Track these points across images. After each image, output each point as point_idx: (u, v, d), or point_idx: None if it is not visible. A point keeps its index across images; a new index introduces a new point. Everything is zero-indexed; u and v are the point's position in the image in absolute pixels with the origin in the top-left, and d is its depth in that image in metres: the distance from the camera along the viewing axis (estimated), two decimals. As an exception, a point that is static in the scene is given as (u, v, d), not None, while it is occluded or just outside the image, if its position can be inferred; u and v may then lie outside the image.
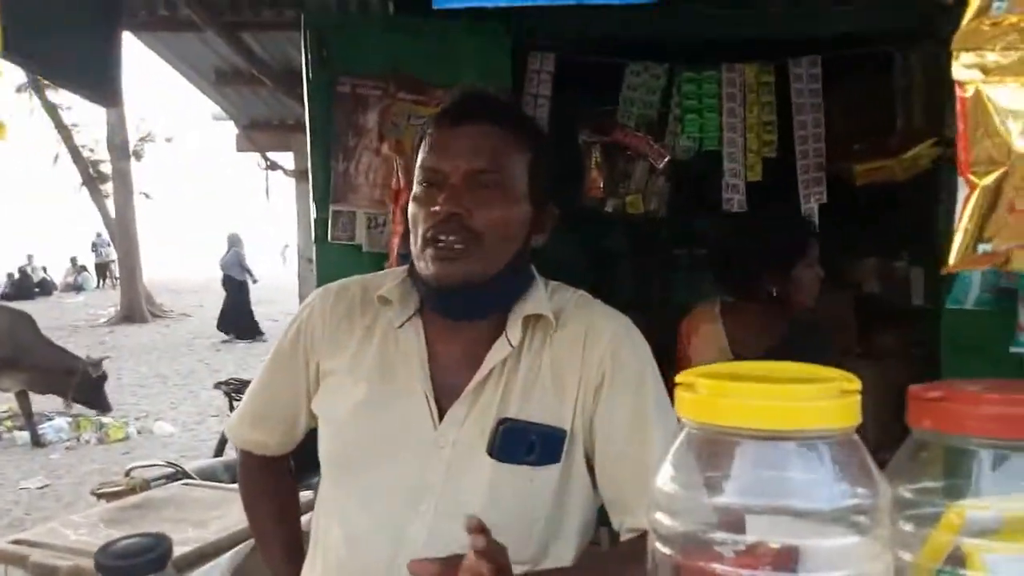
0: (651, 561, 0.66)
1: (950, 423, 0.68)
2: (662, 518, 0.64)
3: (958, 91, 0.94)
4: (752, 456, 0.61)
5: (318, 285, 1.83)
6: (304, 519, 1.64)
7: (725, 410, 0.62)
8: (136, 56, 5.75)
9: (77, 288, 28.45)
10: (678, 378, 0.67)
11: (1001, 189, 0.93)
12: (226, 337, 15.72)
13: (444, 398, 1.35)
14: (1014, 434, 0.67)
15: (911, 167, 3.42)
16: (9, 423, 8.72)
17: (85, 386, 8.22)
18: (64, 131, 20.52)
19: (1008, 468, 0.67)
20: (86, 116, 22.66)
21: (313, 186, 3.40)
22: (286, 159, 10.48)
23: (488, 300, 1.35)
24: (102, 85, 2.61)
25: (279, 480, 1.63)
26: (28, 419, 8.34)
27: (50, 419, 8.67)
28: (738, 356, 2.59)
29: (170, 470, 4.18)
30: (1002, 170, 0.92)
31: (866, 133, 3.71)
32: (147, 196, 26.27)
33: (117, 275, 22.82)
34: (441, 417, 1.34)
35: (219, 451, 5.75)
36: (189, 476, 3.99)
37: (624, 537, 1.33)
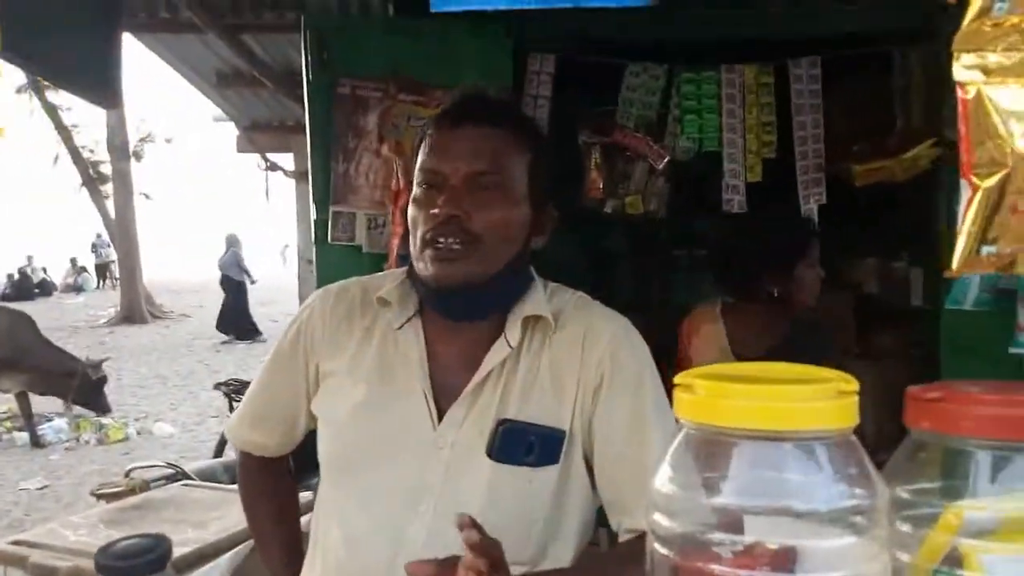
0: (649, 562, 0.66)
1: (948, 424, 0.69)
2: (660, 519, 0.64)
3: (959, 92, 0.94)
4: (750, 457, 0.62)
5: (318, 286, 1.83)
6: (303, 520, 1.64)
7: (723, 411, 0.62)
8: (137, 57, 5.76)
9: (77, 289, 28.46)
10: (676, 379, 0.67)
11: (1004, 191, 0.93)
12: (226, 338, 15.72)
13: (443, 399, 1.35)
14: (1012, 435, 0.67)
15: (911, 168, 3.42)
16: (9, 424, 8.72)
17: (85, 388, 8.23)
18: (64, 132, 20.53)
19: (1005, 469, 0.67)
20: (86, 117, 22.70)
21: (313, 187, 3.40)
22: (286, 160, 10.49)
23: (487, 301, 1.35)
24: (102, 86, 2.61)
25: (278, 481, 1.63)
26: (28, 420, 8.35)
27: (50, 420, 8.68)
28: (739, 356, 2.60)
29: (170, 471, 4.18)
30: (1004, 172, 0.91)
31: (866, 134, 3.71)
32: (147, 197, 26.28)
33: (117, 276, 22.84)
34: (440, 418, 1.34)
35: (219, 452, 5.75)
36: (189, 477, 3.99)
37: (622, 538, 1.33)
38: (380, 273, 1.56)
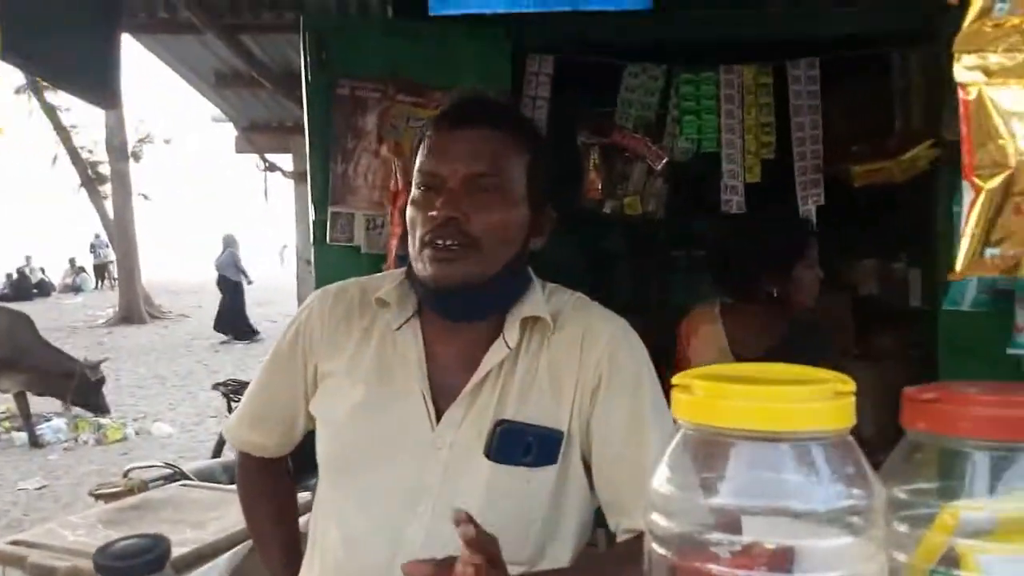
0: (647, 562, 0.66)
1: (944, 425, 0.69)
2: (658, 519, 0.64)
3: (960, 93, 0.93)
4: (748, 457, 0.62)
5: (317, 287, 1.83)
6: (302, 520, 1.64)
7: (721, 411, 0.62)
8: (135, 58, 5.75)
9: (75, 289, 28.45)
10: (674, 379, 0.67)
11: (1007, 192, 0.92)
12: (224, 338, 15.72)
13: (442, 399, 1.35)
14: (1008, 435, 0.67)
15: (909, 169, 3.43)
16: (7, 424, 8.72)
17: (83, 389, 8.22)
18: (63, 132, 20.53)
19: (1002, 469, 0.67)
20: (85, 117, 22.70)
21: (312, 188, 3.40)
22: (285, 161, 10.49)
23: (485, 302, 1.36)
24: (101, 87, 2.61)
25: (277, 482, 1.63)
26: (26, 420, 8.35)
27: (48, 420, 8.68)
28: (738, 357, 2.60)
29: (168, 471, 4.18)
30: (1008, 173, 0.91)
31: (864, 135, 3.72)
32: (146, 197, 26.28)
33: (115, 276, 22.84)
34: (438, 419, 1.34)
35: (217, 452, 5.75)
36: (187, 477, 3.99)
37: (620, 538, 1.33)
38: (379, 274, 1.56)
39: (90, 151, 22.84)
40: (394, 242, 3.22)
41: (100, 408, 8.45)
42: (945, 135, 3.31)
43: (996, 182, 0.92)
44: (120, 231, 19.41)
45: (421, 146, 1.35)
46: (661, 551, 0.64)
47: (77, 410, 8.60)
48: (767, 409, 0.61)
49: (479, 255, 1.29)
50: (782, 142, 3.67)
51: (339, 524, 1.39)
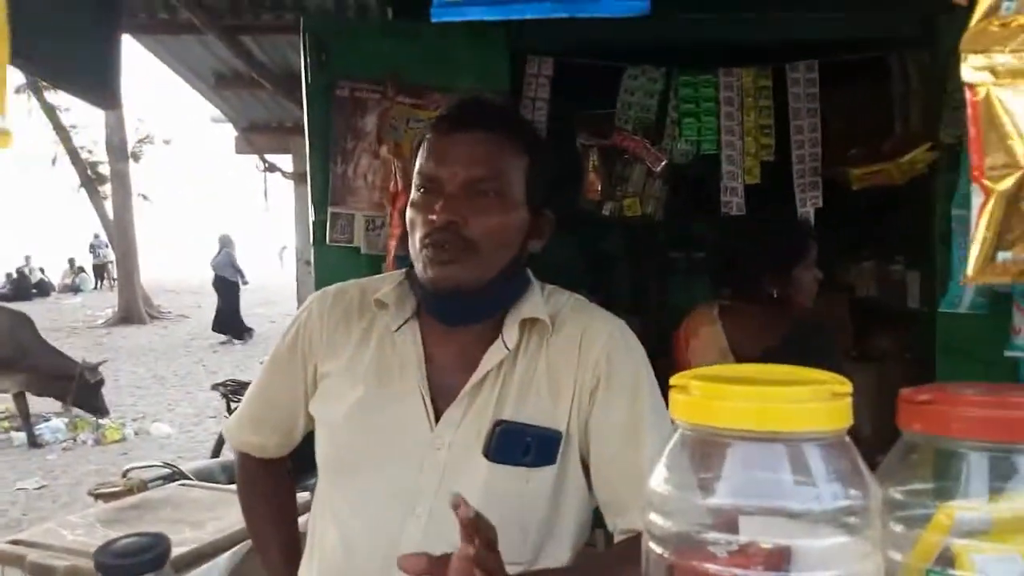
0: (645, 561, 0.67)
1: (939, 426, 0.69)
2: (656, 518, 0.65)
3: (968, 94, 0.92)
4: (745, 457, 0.62)
5: (316, 287, 1.83)
6: (301, 521, 1.64)
7: (718, 412, 0.63)
8: (135, 59, 5.75)
9: (75, 289, 28.43)
10: (672, 380, 0.68)
11: (1019, 194, 0.91)
12: (223, 339, 15.72)
13: (440, 400, 1.36)
14: (1003, 436, 0.68)
15: (908, 171, 3.43)
16: (6, 424, 8.72)
17: (82, 391, 8.22)
18: (62, 132, 20.51)
19: (997, 470, 0.68)
20: (84, 118, 22.70)
21: (311, 188, 3.41)
22: (285, 161, 10.49)
23: (483, 305, 1.36)
24: (102, 87, 2.61)
25: (277, 482, 1.64)
26: (25, 420, 8.35)
27: (47, 420, 8.68)
28: (738, 357, 2.60)
29: (167, 471, 4.18)
30: (1019, 173, 0.90)
31: (863, 137, 3.72)
32: (145, 198, 26.27)
33: (115, 276, 22.82)
34: (437, 419, 1.34)
35: (216, 452, 5.75)
36: (186, 477, 4.00)
37: (618, 539, 1.34)
38: (378, 275, 1.57)
39: (90, 151, 22.83)
40: (393, 243, 3.22)
41: (99, 410, 8.45)
42: (943, 138, 3.32)
43: (1007, 184, 0.91)
44: (120, 231, 19.40)
45: (421, 148, 1.36)
46: (659, 550, 0.64)
47: (76, 410, 8.60)
48: (764, 409, 0.62)
49: (477, 258, 1.30)
50: (781, 144, 3.67)
51: (338, 524, 1.39)
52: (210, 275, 16.48)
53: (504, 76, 3.36)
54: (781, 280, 2.62)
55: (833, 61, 3.63)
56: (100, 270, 29.35)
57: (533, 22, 1.69)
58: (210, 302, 16.66)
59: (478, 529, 1.00)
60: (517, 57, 3.48)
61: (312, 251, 3.45)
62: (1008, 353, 2.92)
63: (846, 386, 0.65)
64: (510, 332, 1.35)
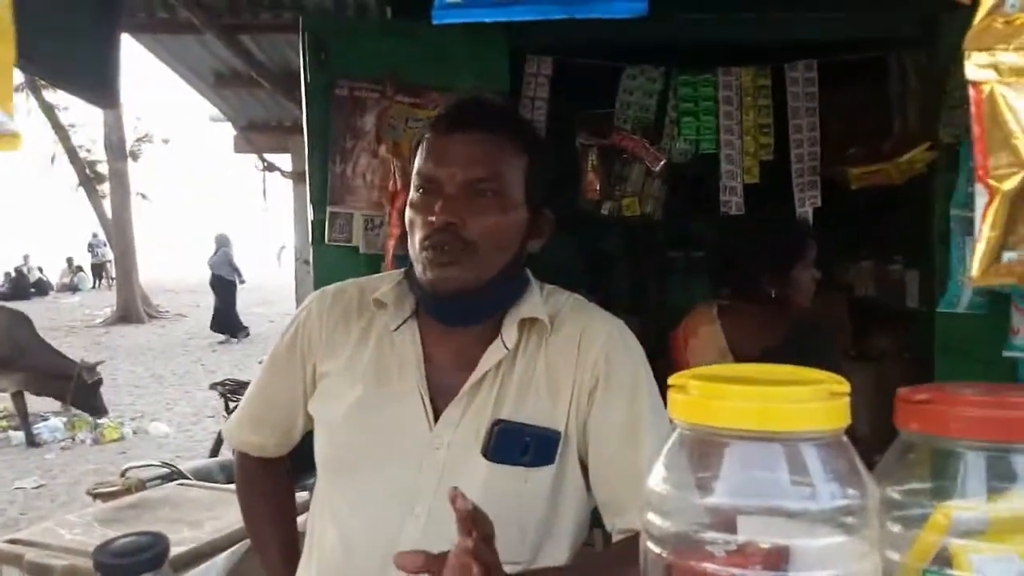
0: (643, 561, 0.67)
1: (937, 425, 0.69)
2: (654, 518, 0.65)
3: (972, 92, 0.91)
4: (742, 457, 0.62)
5: (315, 287, 1.83)
6: (300, 520, 1.65)
7: (716, 411, 0.63)
8: (134, 57, 5.75)
9: (73, 288, 28.41)
10: (670, 380, 0.68)
11: None
12: (222, 338, 15.72)
13: (439, 399, 1.36)
14: (1000, 436, 0.68)
15: (906, 171, 3.43)
16: (5, 423, 8.72)
17: (81, 391, 8.21)
18: (61, 131, 20.49)
19: (994, 470, 0.68)
20: (83, 116, 22.67)
21: (310, 188, 3.40)
22: (283, 161, 10.47)
23: (483, 305, 1.36)
24: (101, 87, 2.60)
25: (276, 482, 1.64)
26: (23, 419, 8.34)
27: (45, 419, 8.68)
28: (737, 357, 2.60)
29: (165, 470, 4.19)
30: None
31: (862, 137, 3.73)
32: (144, 197, 26.25)
33: (113, 276, 22.81)
34: (436, 419, 1.35)
35: (215, 452, 5.75)
36: (185, 476, 4.00)
37: (616, 538, 1.34)
38: (377, 275, 1.57)
39: (88, 150, 22.82)
40: (392, 242, 3.21)
41: (98, 409, 8.44)
42: (942, 138, 3.32)
43: (1012, 183, 0.90)
44: (118, 230, 19.39)
45: (420, 148, 1.36)
46: (657, 550, 0.65)
47: (74, 409, 8.60)
48: (762, 409, 0.62)
49: (476, 259, 1.30)
50: (780, 144, 3.68)
51: (337, 524, 1.39)
52: (208, 274, 16.48)
53: (503, 75, 3.35)
54: (779, 280, 2.62)
55: (832, 61, 3.63)
56: (98, 269, 29.31)
57: (532, 22, 1.69)
58: (209, 301, 16.65)
59: (475, 522, 1.01)
60: (516, 56, 3.48)
61: (311, 250, 3.44)
62: (1006, 353, 2.93)
63: (844, 386, 0.65)
64: (509, 332, 1.35)
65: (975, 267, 0.94)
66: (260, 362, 1.60)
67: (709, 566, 0.61)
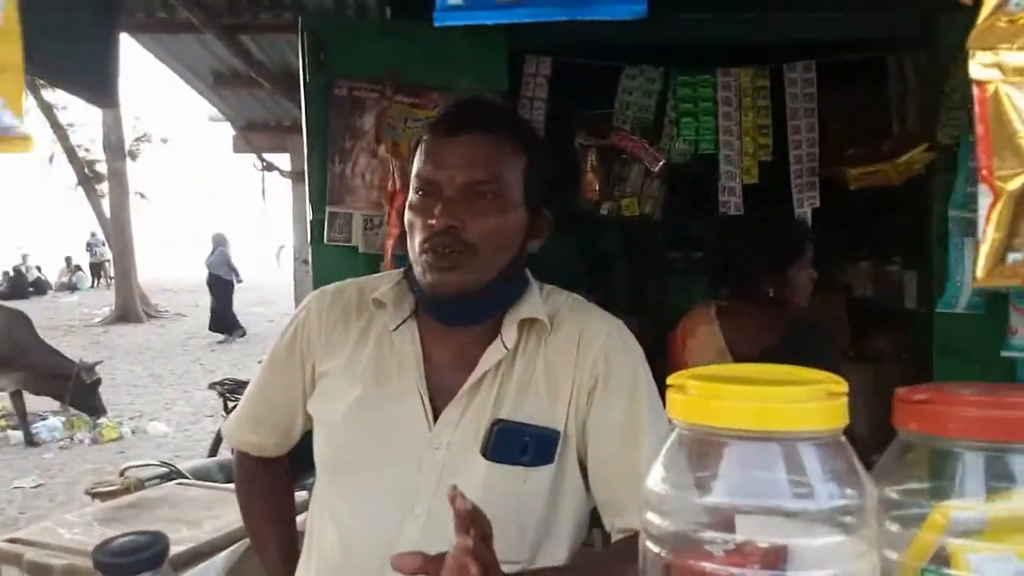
0: (642, 560, 0.67)
1: (935, 425, 0.70)
2: (653, 517, 0.65)
3: (976, 91, 0.91)
4: (741, 457, 0.63)
5: (314, 287, 1.83)
6: (299, 519, 1.65)
7: (715, 411, 0.63)
8: (133, 57, 5.75)
9: (72, 288, 28.38)
10: (669, 380, 0.68)
11: None
12: (221, 337, 15.71)
13: (439, 399, 1.36)
14: (998, 436, 0.68)
15: (905, 172, 3.44)
16: (3, 422, 8.72)
17: (78, 391, 8.20)
18: (60, 131, 20.46)
19: (992, 469, 0.68)
20: (82, 116, 22.62)
21: (310, 188, 3.40)
22: (283, 160, 10.46)
23: (483, 306, 1.37)
24: (100, 86, 2.60)
25: (275, 481, 1.64)
26: (22, 418, 8.34)
27: (44, 419, 8.67)
28: (736, 357, 2.61)
29: (164, 470, 4.18)
30: None
31: (860, 138, 3.73)
32: (142, 196, 26.22)
33: (112, 275, 22.79)
34: (436, 418, 1.35)
35: (214, 451, 5.75)
36: (184, 476, 4.00)
37: (615, 538, 1.34)
38: (376, 274, 1.57)
39: (87, 150, 22.79)
40: (391, 242, 3.22)
41: (96, 409, 8.43)
42: (940, 139, 3.33)
43: (1017, 184, 0.89)
44: (117, 230, 19.37)
45: (418, 150, 1.36)
46: (656, 549, 0.65)
47: (73, 409, 8.60)
48: (761, 409, 0.62)
49: (477, 261, 1.30)
50: (779, 144, 3.68)
51: (336, 524, 1.39)
52: (206, 274, 16.47)
53: (502, 76, 3.36)
54: (777, 280, 2.62)
55: (831, 61, 3.63)
56: (97, 268, 29.30)
57: (531, 22, 1.69)
58: (207, 301, 16.64)
59: (474, 521, 1.01)
60: (515, 57, 3.48)
61: (310, 250, 3.45)
62: (1005, 353, 2.93)
63: (842, 386, 0.65)
64: (509, 332, 1.35)
65: (979, 268, 0.93)
66: (259, 362, 1.60)
67: (708, 565, 0.61)
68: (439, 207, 1.28)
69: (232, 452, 1.69)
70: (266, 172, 10.62)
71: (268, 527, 1.61)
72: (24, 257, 27.88)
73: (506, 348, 1.35)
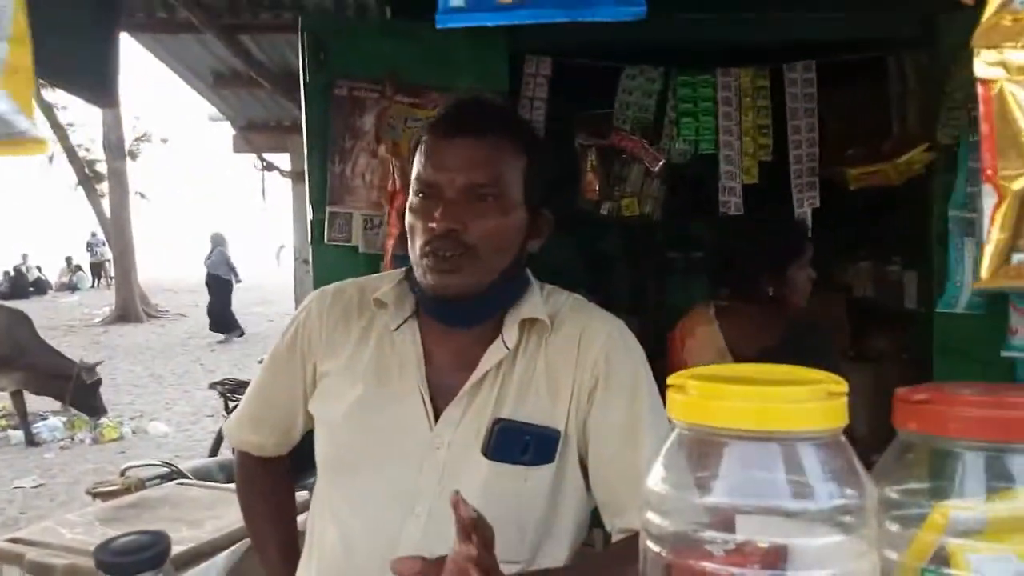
0: (642, 560, 0.67)
1: (935, 425, 0.70)
2: (654, 517, 0.65)
3: (981, 90, 0.90)
4: (741, 457, 0.63)
5: (315, 287, 1.83)
6: (300, 519, 1.65)
7: (714, 411, 0.63)
8: (133, 57, 5.75)
9: (72, 288, 28.38)
10: (669, 380, 0.68)
11: None
12: (221, 337, 15.71)
13: (440, 399, 1.36)
14: (998, 436, 0.68)
15: (905, 172, 3.44)
16: (4, 422, 8.72)
17: (79, 392, 8.20)
18: (60, 131, 20.43)
19: (992, 469, 0.69)
20: (82, 116, 22.64)
21: (310, 188, 3.40)
22: (283, 160, 10.46)
23: (483, 307, 1.37)
24: (101, 86, 2.60)
25: (276, 481, 1.64)
26: (22, 418, 8.34)
27: (44, 418, 8.67)
28: (736, 357, 2.61)
29: (165, 470, 4.18)
30: None
31: (860, 138, 3.73)
32: (143, 196, 26.22)
33: (112, 275, 22.79)
34: (437, 418, 1.35)
35: (214, 451, 5.75)
36: (184, 476, 4.00)
37: (616, 538, 1.34)
38: (377, 274, 1.57)
39: (87, 149, 22.80)
40: (391, 242, 3.22)
41: (97, 410, 8.43)
42: (941, 139, 3.33)
43: (1022, 183, 0.89)
44: (117, 230, 19.37)
45: (418, 151, 1.35)
46: (656, 549, 0.65)
47: (74, 409, 8.60)
48: (761, 409, 0.62)
49: (478, 263, 1.30)
50: (779, 144, 3.68)
51: (337, 524, 1.39)
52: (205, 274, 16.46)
53: (503, 76, 3.36)
54: (776, 280, 2.62)
55: (831, 61, 3.63)
56: (97, 268, 29.31)
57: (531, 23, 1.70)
58: (207, 301, 16.64)
59: (477, 529, 1.01)
60: (515, 57, 3.48)
61: (310, 250, 3.45)
62: (1005, 353, 2.93)
63: (842, 386, 0.65)
64: (510, 332, 1.36)
65: (984, 269, 0.92)
66: (259, 361, 1.60)
67: (708, 565, 0.61)
68: (440, 210, 1.28)
69: (233, 452, 1.69)
70: (266, 172, 10.62)
71: (269, 527, 1.61)
72: (24, 257, 27.88)
73: (507, 348, 1.35)
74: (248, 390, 1.61)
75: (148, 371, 12.68)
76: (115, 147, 18.80)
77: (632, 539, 1.26)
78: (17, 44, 0.96)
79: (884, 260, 4.53)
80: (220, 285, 15.91)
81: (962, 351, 3.16)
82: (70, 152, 20.79)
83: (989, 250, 0.91)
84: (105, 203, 20.33)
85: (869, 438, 1.20)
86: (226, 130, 9.40)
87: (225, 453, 5.21)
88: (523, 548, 1.32)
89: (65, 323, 18.73)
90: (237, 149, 9.74)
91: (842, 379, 0.66)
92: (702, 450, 0.64)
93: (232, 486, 1.87)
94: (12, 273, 26.94)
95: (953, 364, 3.22)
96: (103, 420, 8.58)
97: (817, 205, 3.59)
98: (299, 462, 1.63)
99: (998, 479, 0.68)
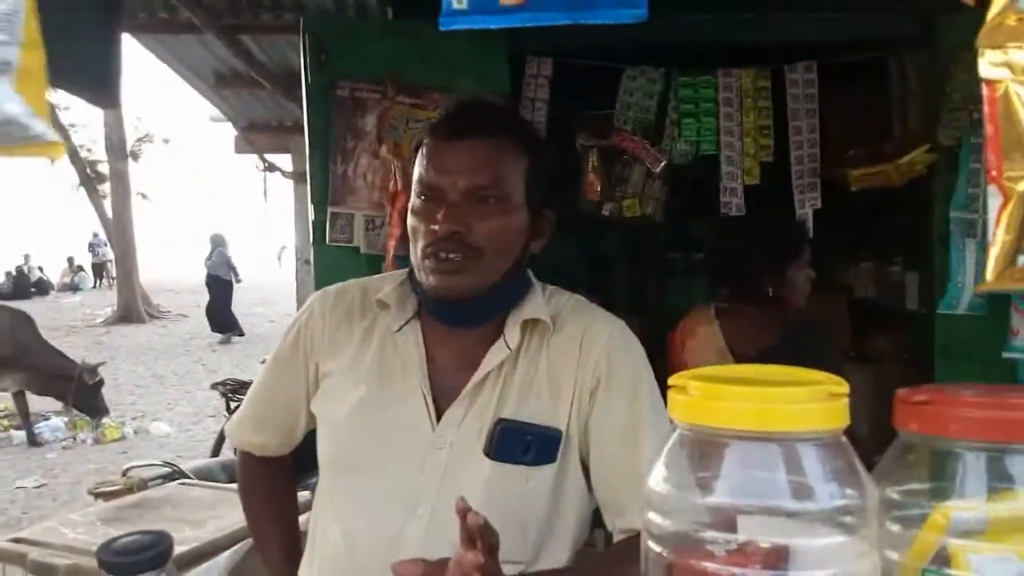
0: (644, 560, 0.67)
1: (935, 426, 0.70)
2: (655, 517, 0.65)
3: (986, 91, 0.89)
4: (742, 457, 0.63)
5: (316, 287, 1.84)
6: (302, 519, 1.65)
7: (716, 412, 0.63)
8: (135, 58, 5.75)
9: (74, 288, 28.40)
10: (670, 380, 0.68)
11: None
12: (222, 337, 15.72)
13: (442, 400, 1.36)
14: (998, 437, 0.68)
15: (906, 173, 3.44)
16: (6, 422, 8.72)
17: (81, 392, 8.21)
18: (62, 131, 20.32)
19: (992, 470, 0.69)
20: (83, 116, 22.72)
21: (311, 188, 3.41)
22: (284, 161, 10.47)
23: (486, 308, 1.37)
24: (102, 87, 2.60)
25: (278, 481, 1.64)
26: (25, 418, 8.34)
27: (47, 419, 8.67)
28: (736, 357, 2.61)
29: (167, 470, 4.18)
30: None
31: (862, 139, 3.73)
32: (144, 197, 26.23)
33: (114, 275, 22.79)
34: (439, 419, 1.35)
35: (216, 451, 5.75)
36: (186, 476, 4.00)
37: (617, 538, 1.34)
38: (379, 275, 1.57)
39: (89, 150, 22.84)
40: (393, 243, 3.22)
41: (99, 410, 8.44)
42: (942, 140, 3.32)
43: None
44: (119, 230, 19.38)
45: (419, 153, 1.36)
46: (657, 549, 0.65)
47: (76, 410, 8.60)
48: (762, 410, 0.62)
49: (481, 264, 1.30)
50: (780, 145, 3.68)
51: (339, 524, 1.39)
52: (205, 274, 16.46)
53: (504, 77, 3.36)
54: (776, 280, 2.63)
55: (832, 62, 3.63)
56: (99, 269, 29.32)
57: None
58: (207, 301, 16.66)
59: (482, 535, 1.01)
60: (517, 58, 3.48)
61: (312, 251, 3.45)
62: (1006, 354, 2.93)
63: (843, 386, 0.65)
64: (512, 332, 1.36)
65: (989, 271, 0.91)
66: (261, 362, 1.61)
67: (709, 565, 0.61)
68: (442, 212, 1.28)
69: (235, 452, 1.69)
70: (268, 172, 10.63)
71: (271, 527, 1.62)
72: (26, 257, 27.89)
73: (509, 348, 1.35)
74: (250, 390, 1.61)
75: (150, 371, 12.69)
76: (117, 148, 18.81)
77: (633, 539, 1.26)
78: (30, 49, 0.96)
79: (885, 261, 4.53)
80: (220, 286, 15.91)
81: (963, 352, 3.16)
82: (72, 153, 20.77)
83: (994, 252, 0.91)
84: (107, 203, 20.34)
85: (870, 439, 1.20)
86: (228, 131, 9.41)
87: (227, 453, 5.21)
88: (525, 548, 1.33)
89: (67, 323, 18.75)
90: (239, 150, 9.75)
91: (843, 380, 0.66)
92: (703, 450, 0.64)
93: (234, 486, 1.87)
94: (14, 273, 26.95)
95: (954, 365, 3.22)
96: (105, 420, 8.58)
97: (818, 206, 3.59)
98: (301, 462, 1.63)
99: (999, 480, 0.68)
